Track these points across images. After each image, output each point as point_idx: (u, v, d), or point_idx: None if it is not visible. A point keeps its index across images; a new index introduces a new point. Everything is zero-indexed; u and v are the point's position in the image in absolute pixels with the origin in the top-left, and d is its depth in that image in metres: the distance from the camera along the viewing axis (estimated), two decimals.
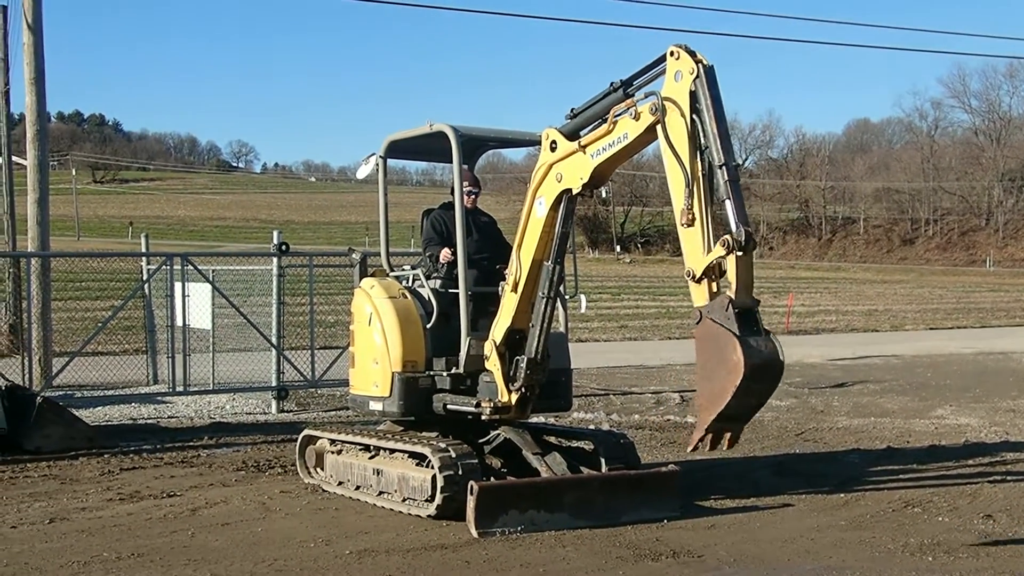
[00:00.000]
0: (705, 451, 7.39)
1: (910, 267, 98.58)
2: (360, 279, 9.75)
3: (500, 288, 8.65)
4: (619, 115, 7.77)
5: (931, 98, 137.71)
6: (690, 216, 7.23)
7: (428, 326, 9.11)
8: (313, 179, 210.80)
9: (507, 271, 8.59)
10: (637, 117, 7.60)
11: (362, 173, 10.01)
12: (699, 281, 7.20)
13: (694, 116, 7.31)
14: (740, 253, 6.96)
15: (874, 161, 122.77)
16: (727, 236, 6.99)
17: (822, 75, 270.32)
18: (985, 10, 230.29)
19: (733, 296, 7.01)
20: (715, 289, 7.19)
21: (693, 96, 7.32)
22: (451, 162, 9.03)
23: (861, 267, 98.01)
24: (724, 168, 7.17)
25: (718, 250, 7.03)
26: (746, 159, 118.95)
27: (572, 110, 8.26)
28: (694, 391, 16.76)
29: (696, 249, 7.23)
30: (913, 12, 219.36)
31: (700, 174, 7.27)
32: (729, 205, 7.12)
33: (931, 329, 33.67)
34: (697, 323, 7.19)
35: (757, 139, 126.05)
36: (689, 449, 7.42)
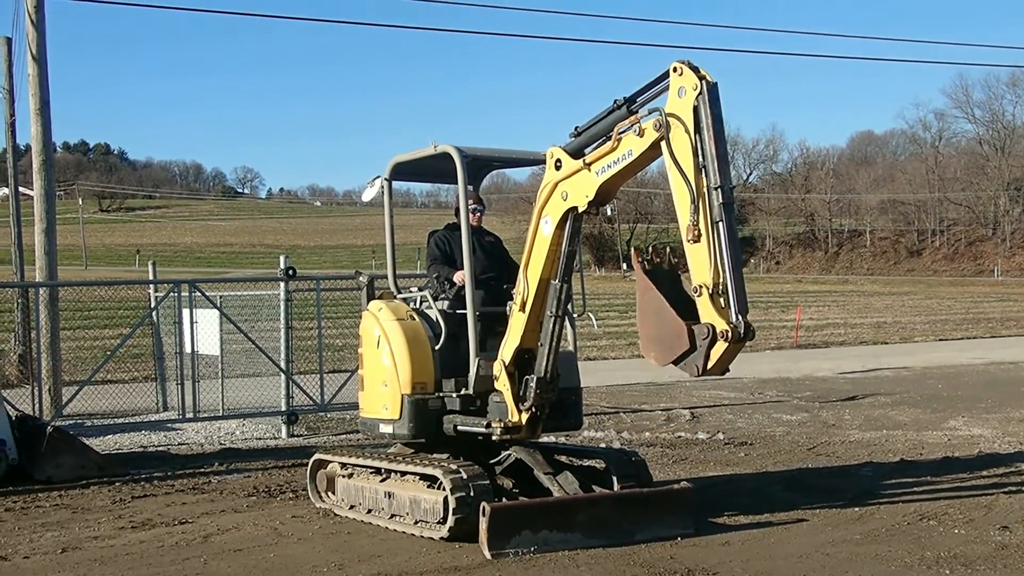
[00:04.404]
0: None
1: (918, 278, 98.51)
2: (368, 302, 9.75)
3: (508, 308, 8.62)
4: (623, 132, 7.75)
5: (934, 109, 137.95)
6: (696, 232, 7.24)
7: (436, 347, 9.09)
8: (319, 203, 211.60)
9: (515, 290, 8.57)
10: (641, 134, 7.60)
11: (367, 196, 10.01)
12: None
13: (696, 133, 7.32)
14: (736, 343, 7.12)
15: (879, 173, 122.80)
16: (727, 327, 7.08)
17: (824, 88, 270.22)
18: (986, 20, 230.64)
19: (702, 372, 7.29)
20: (723, 305, 7.19)
21: (696, 112, 7.33)
22: (456, 183, 9.04)
23: (868, 279, 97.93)
24: (719, 191, 7.20)
25: (719, 326, 7.12)
26: (751, 174, 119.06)
27: (576, 128, 8.25)
28: (705, 407, 16.85)
29: (703, 264, 7.23)
30: (914, 24, 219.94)
31: (705, 189, 7.28)
32: (723, 233, 7.16)
33: (941, 340, 33.52)
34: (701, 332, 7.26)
35: (761, 154, 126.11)
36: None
